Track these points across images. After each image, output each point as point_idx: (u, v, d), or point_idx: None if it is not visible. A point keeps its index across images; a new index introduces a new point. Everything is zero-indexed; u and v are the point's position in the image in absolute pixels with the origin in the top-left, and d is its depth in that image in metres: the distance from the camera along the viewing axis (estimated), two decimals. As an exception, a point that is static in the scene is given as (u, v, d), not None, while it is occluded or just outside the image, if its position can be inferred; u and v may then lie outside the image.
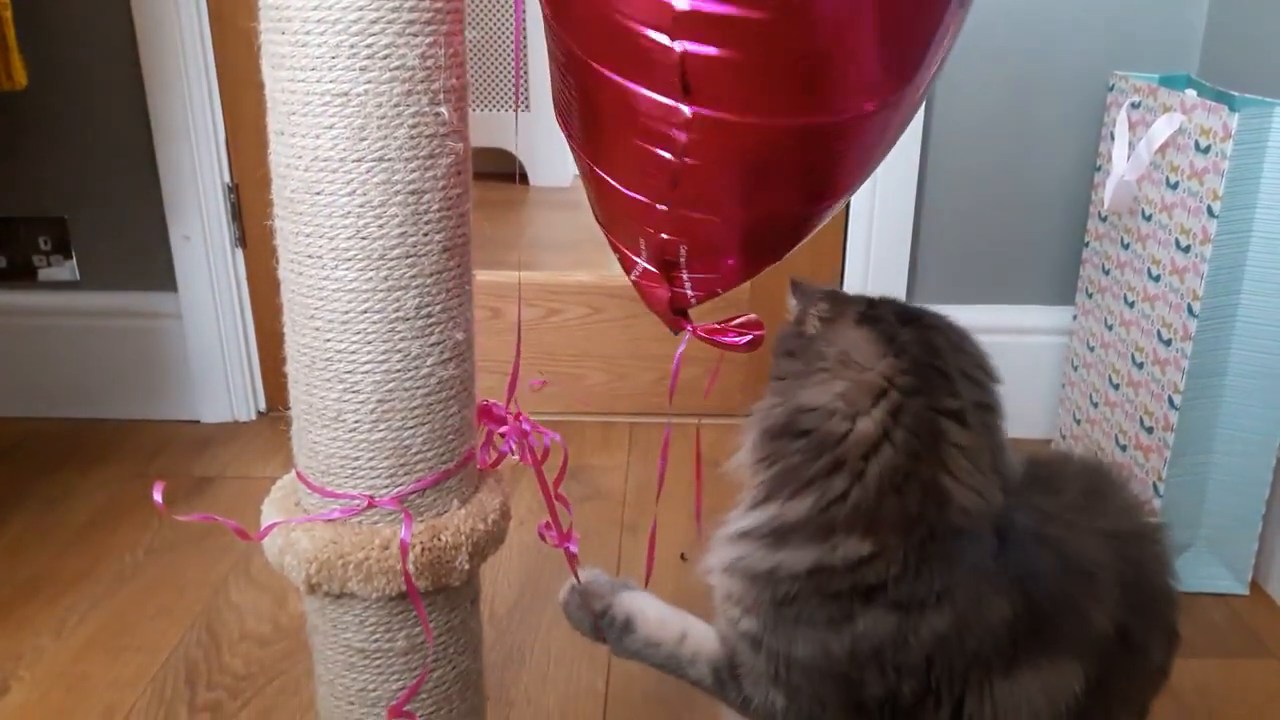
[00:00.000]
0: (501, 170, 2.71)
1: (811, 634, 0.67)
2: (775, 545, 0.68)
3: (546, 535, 0.82)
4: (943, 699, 0.66)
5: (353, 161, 0.61)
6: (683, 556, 1.13)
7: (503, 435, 0.78)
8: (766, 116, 0.64)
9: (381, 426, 0.66)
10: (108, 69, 1.55)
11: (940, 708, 0.66)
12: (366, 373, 0.65)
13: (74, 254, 1.64)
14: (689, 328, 0.80)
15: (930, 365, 0.68)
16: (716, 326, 0.81)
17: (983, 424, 0.68)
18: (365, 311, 0.64)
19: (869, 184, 1.57)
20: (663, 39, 0.60)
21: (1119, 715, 0.71)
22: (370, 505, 0.67)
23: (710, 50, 0.60)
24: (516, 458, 0.79)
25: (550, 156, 3.04)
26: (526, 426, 0.78)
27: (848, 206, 1.60)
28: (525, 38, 2.95)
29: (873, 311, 0.71)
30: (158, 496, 0.69)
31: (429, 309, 0.65)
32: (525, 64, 2.98)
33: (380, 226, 0.62)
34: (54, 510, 1.43)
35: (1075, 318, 1.52)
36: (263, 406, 1.72)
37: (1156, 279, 1.26)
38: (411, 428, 0.67)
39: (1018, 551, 0.67)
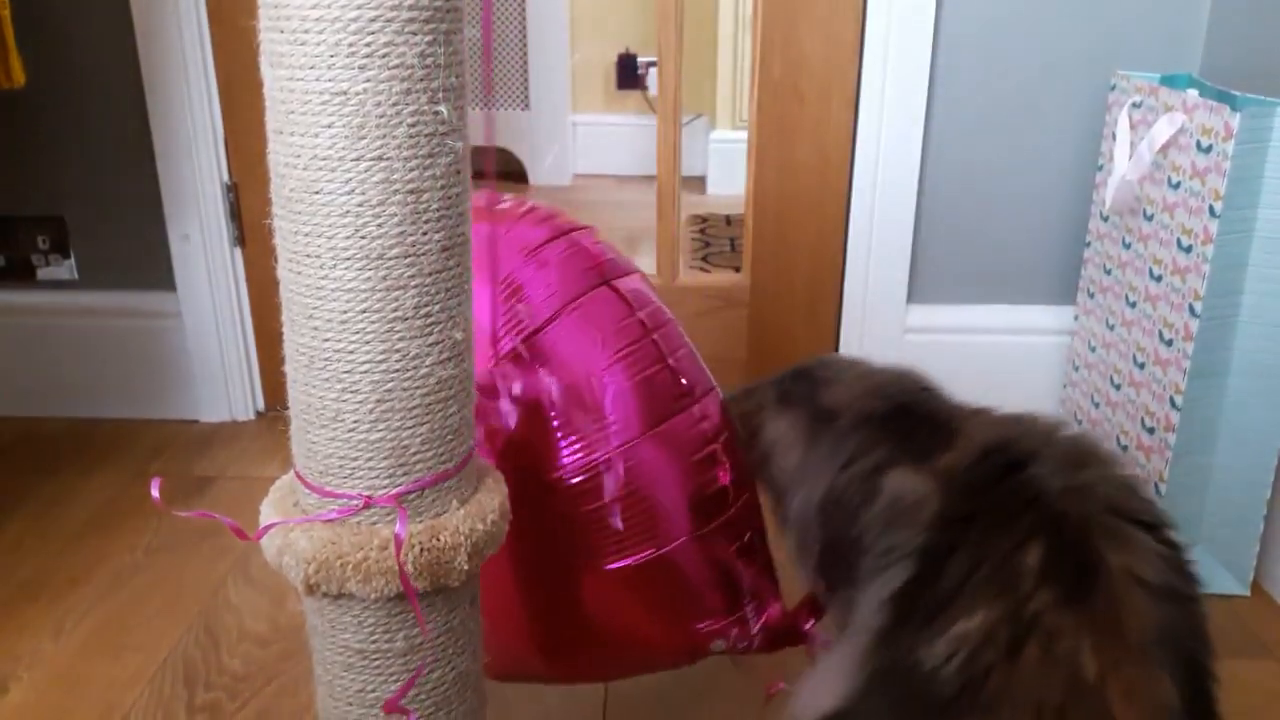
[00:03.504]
0: (501, 169, 2.71)
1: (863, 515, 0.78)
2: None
3: None
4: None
5: (351, 160, 0.60)
6: None
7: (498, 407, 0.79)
8: None
9: (380, 426, 0.66)
10: (106, 67, 1.55)
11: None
12: (365, 372, 0.65)
13: (72, 253, 1.64)
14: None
15: (816, 384, 0.90)
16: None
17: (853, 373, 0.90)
18: (364, 311, 0.63)
19: (869, 182, 1.58)
20: None
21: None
22: (367, 505, 0.67)
23: None
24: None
25: (550, 155, 3.05)
26: (517, 388, 0.80)
27: (848, 204, 1.60)
28: (527, 36, 2.96)
29: (780, 388, 0.92)
30: (155, 493, 0.69)
31: (428, 308, 0.65)
32: (525, 62, 2.99)
33: (379, 226, 0.62)
34: (53, 510, 1.43)
35: (1076, 318, 1.52)
36: (261, 406, 1.72)
37: (1158, 279, 1.26)
38: (410, 428, 0.66)
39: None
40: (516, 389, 0.81)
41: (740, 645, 0.90)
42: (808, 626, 0.91)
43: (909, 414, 0.83)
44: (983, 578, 0.67)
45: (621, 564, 0.84)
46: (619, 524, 0.83)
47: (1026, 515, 0.68)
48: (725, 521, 0.88)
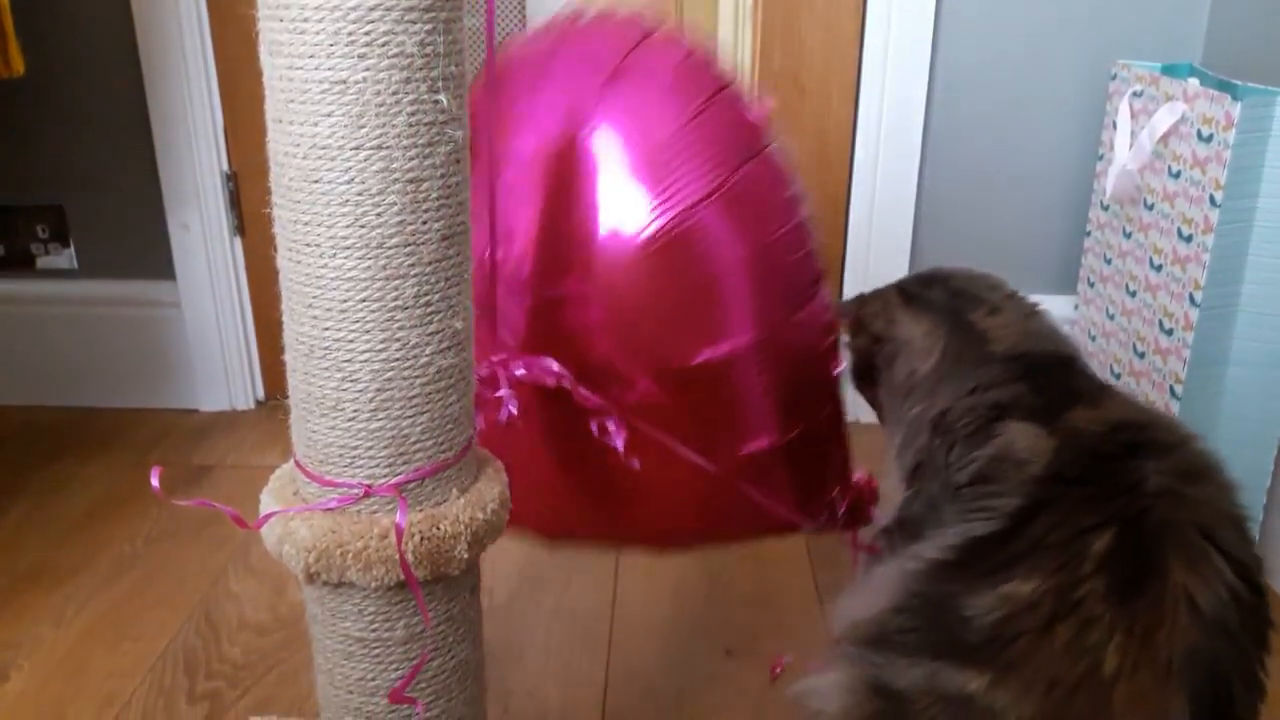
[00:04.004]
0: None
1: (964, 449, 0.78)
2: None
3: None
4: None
5: (351, 149, 0.60)
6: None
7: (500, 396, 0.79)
8: None
9: (380, 415, 0.66)
10: (106, 56, 1.54)
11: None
12: (365, 361, 0.65)
13: (72, 242, 1.64)
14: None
15: (960, 297, 0.88)
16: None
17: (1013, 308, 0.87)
18: (363, 300, 0.63)
19: (870, 172, 1.58)
20: None
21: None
22: (367, 493, 0.67)
23: None
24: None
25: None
26: (520, 371, 0.80)
27: (848, 194, 1.59)
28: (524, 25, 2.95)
29: (906, 291, 0.92)
30: (155, 482, 0.69)
31: (427, 297, 0.65)
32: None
33: (378, 215, 0.62)
34: (52, 499, 1.43)
35: (1077, 307, 1.52)
36: (261, 395, 1.72)
37: (1158, 268, 1.26)
38: (410, 417, 0.66)
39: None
40: (519, 372, 0.81)
41: (826, 526, 0.93)
42: (871, 509, 0.94)
43: (1061, 368, 0.82)
44: (1051, 546, 0.67)
45: (750, 449, 0.86)
46: (759, 404, 0.85)
47: (1116, 501, 0.68)
48: (833, 410, 0.91)
